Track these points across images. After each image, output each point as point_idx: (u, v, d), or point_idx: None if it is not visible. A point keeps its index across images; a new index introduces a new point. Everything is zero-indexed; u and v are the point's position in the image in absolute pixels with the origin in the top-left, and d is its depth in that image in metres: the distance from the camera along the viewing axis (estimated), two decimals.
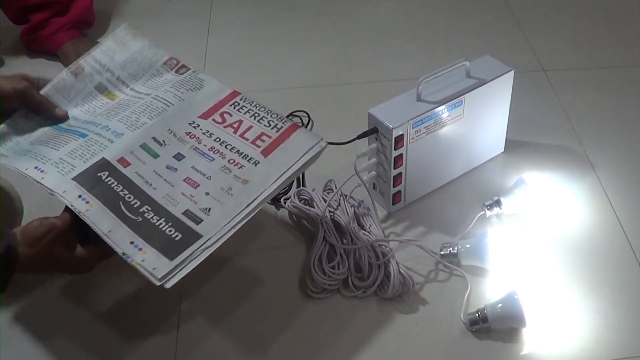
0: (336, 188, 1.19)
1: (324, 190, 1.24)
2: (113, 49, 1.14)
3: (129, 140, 1.02)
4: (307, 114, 1.43)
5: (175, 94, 1.09)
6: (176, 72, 1.14)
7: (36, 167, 0.98)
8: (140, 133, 1.03)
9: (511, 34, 1.67)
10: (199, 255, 0.91)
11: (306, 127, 1.41)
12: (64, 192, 0.95)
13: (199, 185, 0.97)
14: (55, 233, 0.91)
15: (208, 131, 1.04)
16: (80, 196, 0.94)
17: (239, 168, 0.99)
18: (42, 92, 1.09)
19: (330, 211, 1.16)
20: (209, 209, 0.95)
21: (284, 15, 1.77)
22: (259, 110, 1.06)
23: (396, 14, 1.76)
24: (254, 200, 0.95)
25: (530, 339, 1.03)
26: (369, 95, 1.47)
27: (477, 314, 1.03)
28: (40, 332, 1.07)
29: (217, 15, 1.77)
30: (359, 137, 1.17)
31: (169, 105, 1.07)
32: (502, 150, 1.33)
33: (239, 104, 1.07)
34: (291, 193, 1.23)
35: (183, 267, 0.89)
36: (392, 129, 1.11)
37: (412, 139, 1.15)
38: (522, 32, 1.67)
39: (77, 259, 0.94)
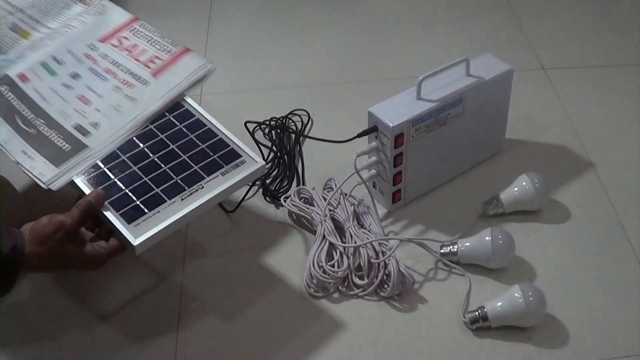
0: (336, 186, 1.19)
1: (324, 189, 1.24)
2: None
3: (30, 59, 1.11)
4: (307, 112, 1.43)
5: (79, 19, 1.17)
6: (81, 1, 1.20)
7: None
8: (41, 53, 1.12)
9: (511, 32, 1.67)
10: (82, 162, 1.00)
11: (305, 126, 1.41)
12: None
13: (91, 102, 1.07)
14: (64, 230, 0.91)
15: (105, 54, 1.13)
16: None
17: (129, 87, 1.08)
18: None
19: (330, 210, 1.16)
20: (98, 124, 1.04)
21: (284, 13, 1.77)
22: (154, 35, 1.15)
23: (396, 12, 1.76)
24: (138, 115, 1.05)
25: (530, 338, 1.03)
26: (369, 94, 1.47)
27: (477, 313, 1.03)
28: (40, 333, 1.07)
29: (217, 13, 1.77)
30: (359, 135, 1.17)
31: (71, 28, 1.16)
32: (502, 148, 1.33)
33: (137, 29, 1.16)
34: (291, 192, 1.23)
35: (67, 173, 0.99)
36: (392, 127, 1.11)
37: (412, 137, 1.15)
38: (522, 31, 1.67)
39: (86, 256, 0.94)
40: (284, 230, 1.21)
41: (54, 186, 0.97)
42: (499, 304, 1.03)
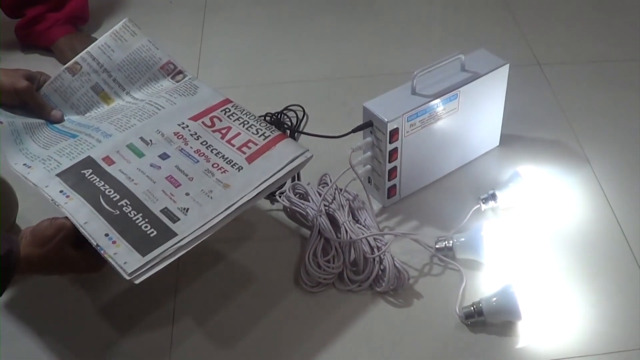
0: (331, 182, 1.19)
1: (319, 184, 1.24)
2: (111, 47, 1.14)
3: (116, 140, 1.04)
4: (302, 108, 1.43)
5: (169, 99, 1.11)
6: (172, 77, 1.15)
7: (25, 164, 1.00)
8: (128, 133, 1.05)
9: (506, 28, 1.67)
10: (171, 253, 0.91)
11: (300, 121, 1.41)
12: (46, 186, 0.97)
13: (180, 184, 0.98)
14: (64, 233, 0.92)
15: (196, 133, 1.05)
16: (61, 191, 0.96)
17: (222, 172, 1.00)
18: (41, 90, 1.10)
19: (325, 205, 1.16)
20: (187, 209, 0.95)
21: (280, 10, 1.77)
22: (248, 118, 1.08)
23: (391, 8, 1.75)
24: (232, 205, 0.96)
25: (525, 332, 1.03)
26: (364, 89, 1.47)
27: (472, 307, 1.03)
28: (36, 328, 1.06)
29: (212, 9, 1.77)
30: (354, 130, 1.17)
31: (160, 108, 1.09)
32: (497, 143, 1.33)
33: (230, 110, 1.09)
34: (286, 187, 1.23)
35: (154, 264, 0.90)
36: (387, 122, 1.11)
37: (407, 132, 1.15)
38: (518, 26, 1.67)
39: (86, 259, 0.94)
40: (279, 225, 1.21)
41: (138, 280, 0.88)
42: (494, 299, 1.03)
